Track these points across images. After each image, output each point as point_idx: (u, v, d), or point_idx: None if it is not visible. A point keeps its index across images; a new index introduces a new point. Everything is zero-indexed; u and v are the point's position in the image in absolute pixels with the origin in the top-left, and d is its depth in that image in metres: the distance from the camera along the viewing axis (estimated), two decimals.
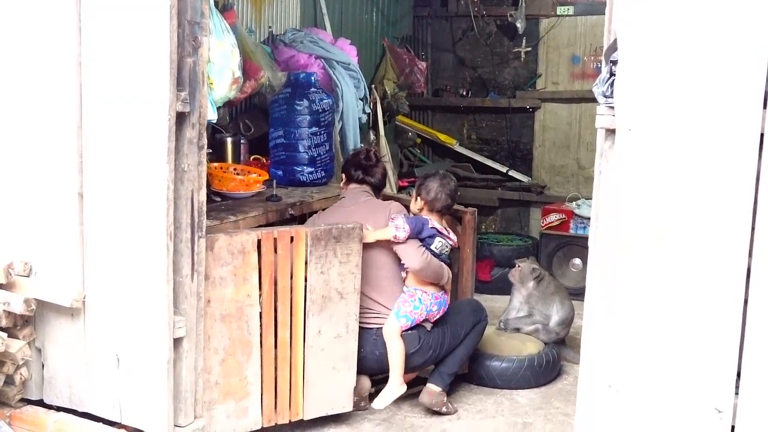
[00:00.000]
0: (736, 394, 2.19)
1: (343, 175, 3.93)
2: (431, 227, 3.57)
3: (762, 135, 2.08)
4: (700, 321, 2.20)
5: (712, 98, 2.13)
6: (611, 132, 2.30)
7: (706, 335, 2.19)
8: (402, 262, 3.57)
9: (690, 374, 2.22)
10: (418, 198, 3.68)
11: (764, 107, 2.07)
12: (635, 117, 2.22)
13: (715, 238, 2.15)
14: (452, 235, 3.69)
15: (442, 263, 3.62)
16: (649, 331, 2.27)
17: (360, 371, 3.44)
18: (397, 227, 3.50)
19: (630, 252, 2.27)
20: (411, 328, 3.52)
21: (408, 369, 3.54)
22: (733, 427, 2.20)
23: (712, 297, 2.17)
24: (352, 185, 3.85)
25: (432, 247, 3.57)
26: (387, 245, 3.55)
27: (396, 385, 3.50)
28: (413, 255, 3.51)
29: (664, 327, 2.24)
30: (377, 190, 3.90)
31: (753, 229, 2.11)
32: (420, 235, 3.55)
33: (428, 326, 3.58)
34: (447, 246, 3.64)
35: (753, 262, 2.12)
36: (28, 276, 2.96)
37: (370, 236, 3.49)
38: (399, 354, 3.48)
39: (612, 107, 2.27)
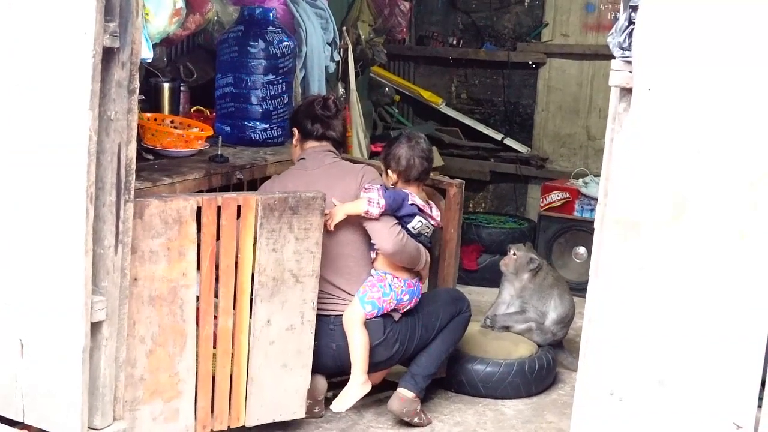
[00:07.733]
0: (759, 407, 2.25)
1: (295, 130, 3.87)
2: (411, 204, 3.58)
3: None
4: (720, 319, 2.24)
5: (746, 52, 2.15)
6: (627, 91, 2.32)
7: (727, 337, 2.24)
8: (372, 241, 3.59)
9: (706, 382, 2.28)
10: (389, 171, 3.69)
11: None
12: (657, 74, 2.24)
13: (743, 220, 2.19)
14: (435, 212, 3.70)
15: (420, 246, 3.64)
16: (660, 330, 2.31)
17: (313, 369, 3.44)
18: (371, 201, 3.48)
19: (644, 233, 2.30)
20: (375, 317, 3.55)
21: (372, 365, 3.56)
22: None
23: (735, 289, 2.22)
24: (311, 143, 3.80)
25: (409, 226, 3.58)
26: (355, 219, 3.55)
27: (358, 383, 3.50)
28: (386, 235, 3.52)
29: (677, 325, 2.29)
30: (340, 146, 3.91)
31: None
32: (398, 212, 3.55)
33: (396, 316, 3.62)
34: (428, 227, 3.66)
35: None
36: None
37: (339, 213, 3.50)
38: (362, 345, 3.50)
39: (629, 62, 2.29)
